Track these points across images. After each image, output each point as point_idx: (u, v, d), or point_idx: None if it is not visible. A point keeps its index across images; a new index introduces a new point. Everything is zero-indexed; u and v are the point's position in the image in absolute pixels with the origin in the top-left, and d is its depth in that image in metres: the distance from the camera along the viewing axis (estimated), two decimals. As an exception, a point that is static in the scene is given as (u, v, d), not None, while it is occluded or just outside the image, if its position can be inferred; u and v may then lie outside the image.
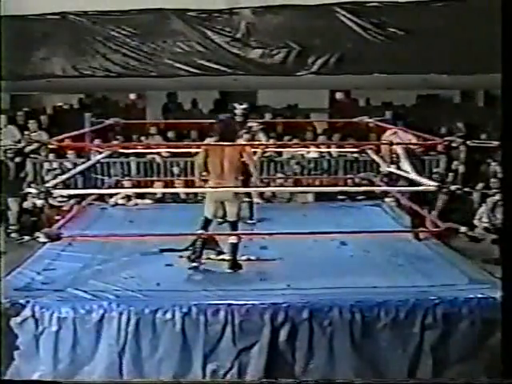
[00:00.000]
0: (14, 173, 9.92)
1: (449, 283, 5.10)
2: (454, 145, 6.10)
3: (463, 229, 5.37)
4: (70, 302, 4.77)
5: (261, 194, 9.00)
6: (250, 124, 7.30)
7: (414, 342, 4.74)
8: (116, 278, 5.31)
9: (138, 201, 9.14)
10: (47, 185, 5.31)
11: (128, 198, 9.08)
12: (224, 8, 10.05)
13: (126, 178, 9.57)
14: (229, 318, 4.69)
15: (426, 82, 10.42)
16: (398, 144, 6.62)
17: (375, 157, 7.22)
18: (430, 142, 6.93)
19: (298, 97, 12.28)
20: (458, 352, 4.75)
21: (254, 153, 6.79)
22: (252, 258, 5.84)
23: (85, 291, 4.96)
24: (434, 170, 10.02)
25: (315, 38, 9.92)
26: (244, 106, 7.06)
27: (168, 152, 10.24)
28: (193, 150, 8.20)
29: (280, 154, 10.41)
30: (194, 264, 5.60)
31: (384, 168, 6.86)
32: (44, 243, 5.73)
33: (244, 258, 5.75)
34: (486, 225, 9.32)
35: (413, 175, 6.04)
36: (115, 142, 10.24)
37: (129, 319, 4.69)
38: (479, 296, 4.81)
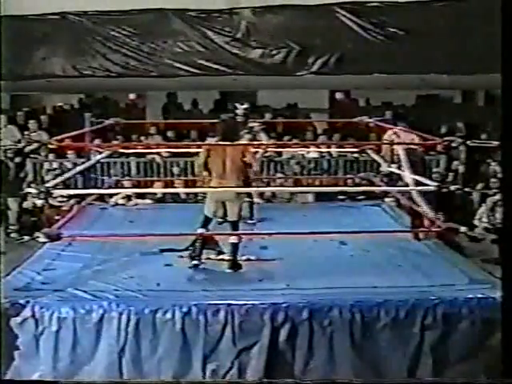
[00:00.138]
0: (14, 173, 9.92)
1: (449, 283, 5.10)
2: (453, 145, 6.09)
3: (463, 229, 5.34)
4: (69, 302, 4.77)
5: (261, 194, 8.99)
6: (251, 124, 7.31)
7: (413, 341, 4.74)
8: (116, 278, 5.30)
9: (138, 201, 9.12)
10: (47, 185, 5.33)
11: (128, 198, 9.06)
12: (224, 8, 10.07)
13: (126, 178, 9.58)
14: (229, 318, 4.68)
15: (426, 81, 10.41)
16: (398, 144, 6.62)
17: (375, 156, 7.22)
18: (430, 142, 6.92)
19: (297, 97, 12.29)
20: (458, 352, 4.75)
21: (255, 153, 6.79)
22: (252, 257, 5.83)
23: (85, 291, 4.95)
24: (434, 170, 10.03)
25: (315, 38, 9.92)
26: (245, 106, 7.07)
27: (168, 152, 10.25)
28: (193, 150, 8.22)
29: (280, 153, 10.40)
30: (195, 262, 5.61)
31: (384, 168, 6.86)
32: (44, 243, 5.72)
33: (244, 257, 5.75)
34: (485, 225, 9.32)
35: (408, 177, 6.04)
36: (115, 142, 10.23)
37: (129, 319, 4.69)
38: (479, 296, 4.81)
